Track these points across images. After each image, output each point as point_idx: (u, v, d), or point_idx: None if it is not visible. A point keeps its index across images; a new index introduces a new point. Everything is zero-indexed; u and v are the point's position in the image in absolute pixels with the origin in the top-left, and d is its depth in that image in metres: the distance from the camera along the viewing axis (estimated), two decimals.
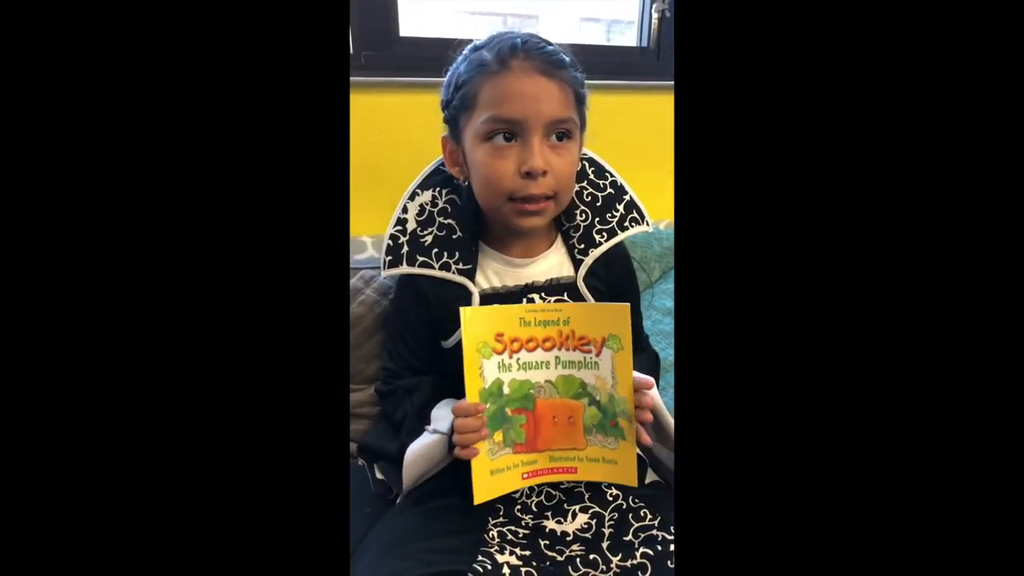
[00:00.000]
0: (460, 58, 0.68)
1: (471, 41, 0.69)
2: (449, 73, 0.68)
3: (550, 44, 0.65)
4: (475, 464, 0.61)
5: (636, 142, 1.18)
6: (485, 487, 0.62)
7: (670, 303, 1.06)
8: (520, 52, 0.63)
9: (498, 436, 0.63)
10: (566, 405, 0.65)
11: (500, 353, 0.63)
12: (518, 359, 0.64)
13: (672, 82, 1.23)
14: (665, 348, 1.01)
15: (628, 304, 0.63)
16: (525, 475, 0.64)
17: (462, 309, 0.61)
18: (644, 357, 0.81)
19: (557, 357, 0.65)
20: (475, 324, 0.62)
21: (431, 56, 1.05)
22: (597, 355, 0.64)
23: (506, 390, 0.64)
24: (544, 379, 0.65)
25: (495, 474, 0.63)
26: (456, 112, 0.66)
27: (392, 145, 1.02)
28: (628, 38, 1.32)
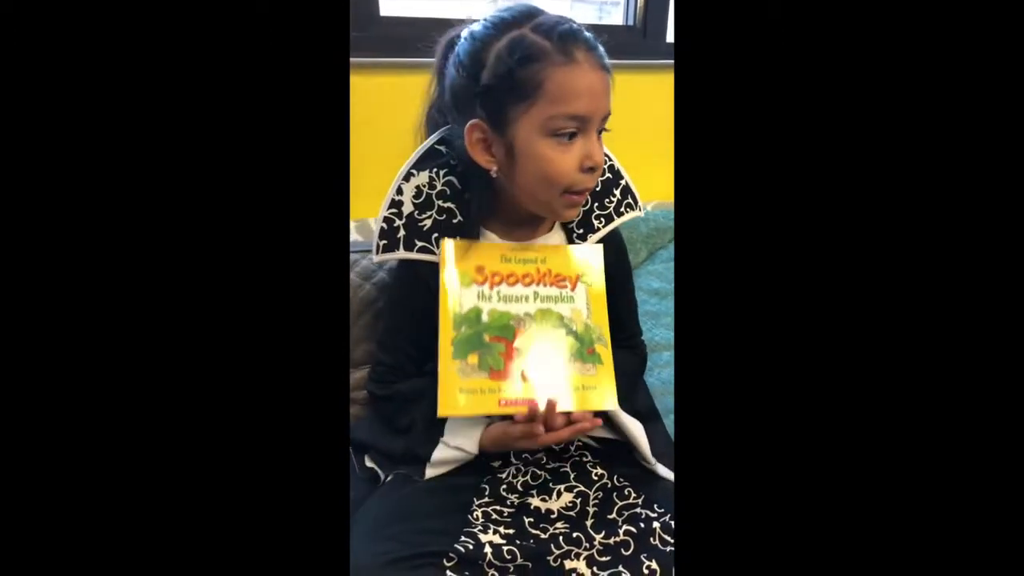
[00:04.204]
0: (480, 36, 0.62)
1: (464, 21, 0.65)
2: (464, 53, 0.63)
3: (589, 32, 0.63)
4: (442, 379, 0.62)
5: (622, 122, 1.17)
6: (451, 403, 0.62)
7: (656, 284, 1.07)
8: (581, 43, 0.60)
9: (472, 358, 0.64)
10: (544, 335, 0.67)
11: (480, 284, 0.66)
12: (498, 292, 0.66)
13: (659, 61, 1.23)
14: (651, 328, 1.01)
15: (600, 245, 0.70)
16: (502, 402, 0.64)
17: (444, 240, 0.64)
18: (628, 358, 0.79)
19: (536, 292, 0.68)
20: (456, 255, 0.65)
21: (413, 36, 1.04)
22: (572, 290, 0.69)
23: (485, 318, 0.65)
24: (524, 312, 0.67)
25: (464, 393, 0.63)
26: (503, 99, 0.61)
27: (372, 127, 1.00)
28: (617, 17, 1.31)
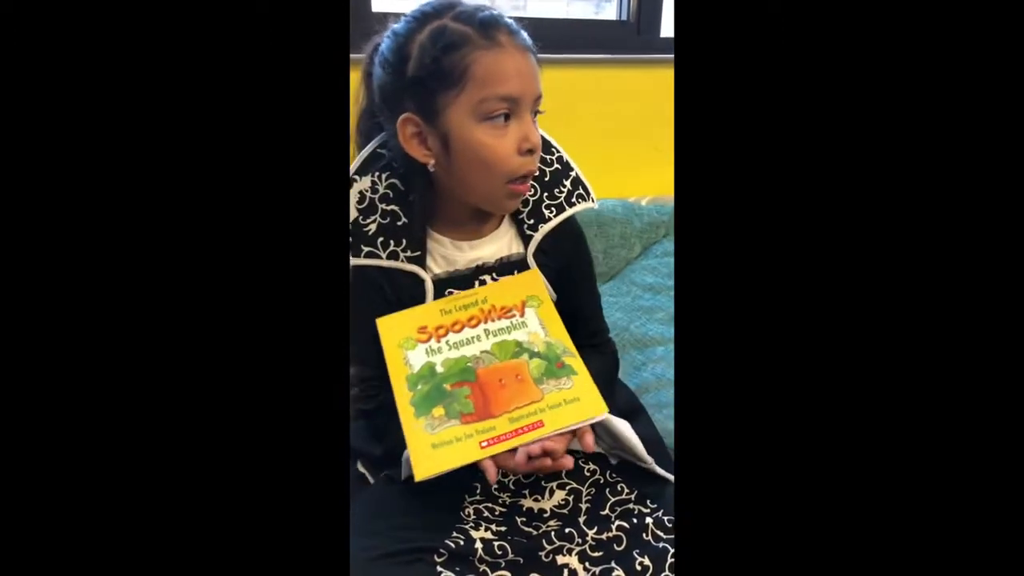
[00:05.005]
0: (402, 31, 0.63)
1: (396, 16, 0.66)
2: (388, 50, 0.64)
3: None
4: (411, 442, 0.59)
5: (616, 117, 1.17)
6: (426, 463, 0.58)
7: (650, 279, 1.06)
8: (503, 27, 0.61)
9: (438, 411, 0.61)
10: (508, 366, 0.64)
11: (426, 341, 0.64)
12: (447, 341, 0.65)
13: (653, 56, 1.23)
14: (646, 323, 1.01)
15: (536, 269, 0.69)
16: (483, 443, 0.59)
17: (378, 321, 0.64)
18: (597, 359, 0.75)
19: (486, 330, 0.66)
20: (394, 329, 0.65)
21: None
22: (521, 316, 0.67)
23: (440, 369, 0.63)
24: (479, 351, 0.65)
25: (438, 447, 0.59)
26: (431, 89, 0.61)
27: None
28: (611, 12, 1.31)
